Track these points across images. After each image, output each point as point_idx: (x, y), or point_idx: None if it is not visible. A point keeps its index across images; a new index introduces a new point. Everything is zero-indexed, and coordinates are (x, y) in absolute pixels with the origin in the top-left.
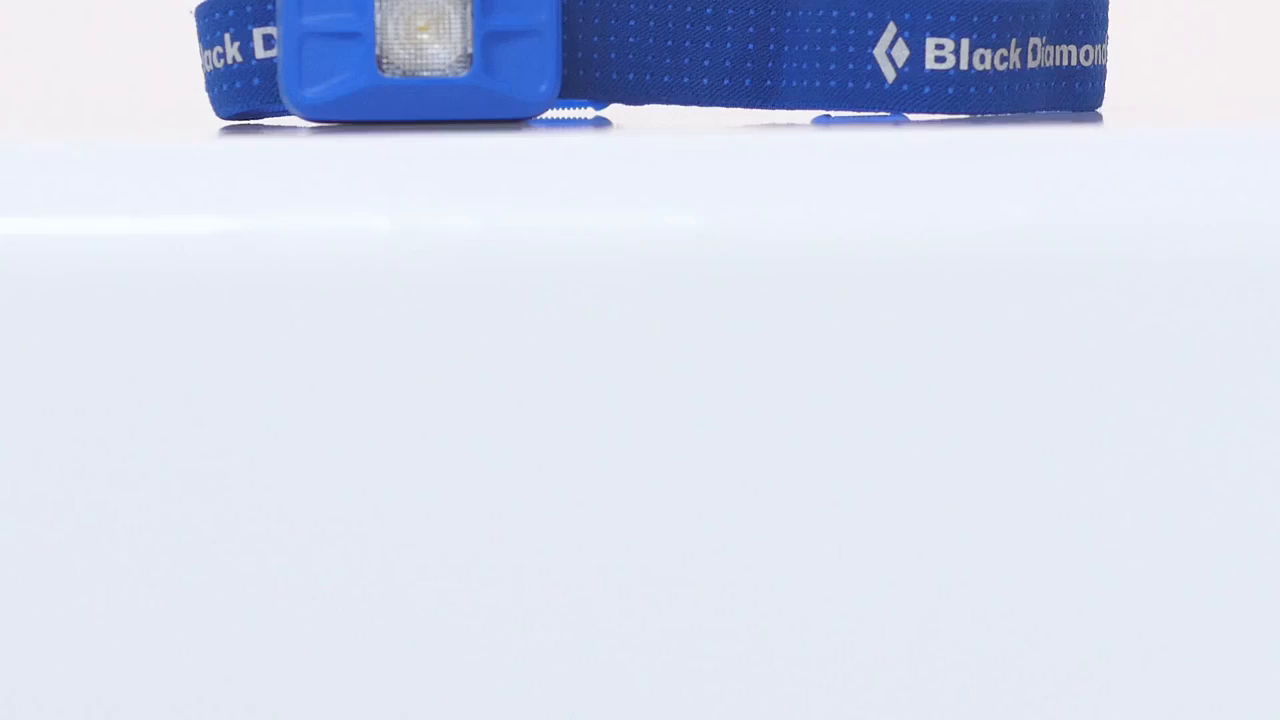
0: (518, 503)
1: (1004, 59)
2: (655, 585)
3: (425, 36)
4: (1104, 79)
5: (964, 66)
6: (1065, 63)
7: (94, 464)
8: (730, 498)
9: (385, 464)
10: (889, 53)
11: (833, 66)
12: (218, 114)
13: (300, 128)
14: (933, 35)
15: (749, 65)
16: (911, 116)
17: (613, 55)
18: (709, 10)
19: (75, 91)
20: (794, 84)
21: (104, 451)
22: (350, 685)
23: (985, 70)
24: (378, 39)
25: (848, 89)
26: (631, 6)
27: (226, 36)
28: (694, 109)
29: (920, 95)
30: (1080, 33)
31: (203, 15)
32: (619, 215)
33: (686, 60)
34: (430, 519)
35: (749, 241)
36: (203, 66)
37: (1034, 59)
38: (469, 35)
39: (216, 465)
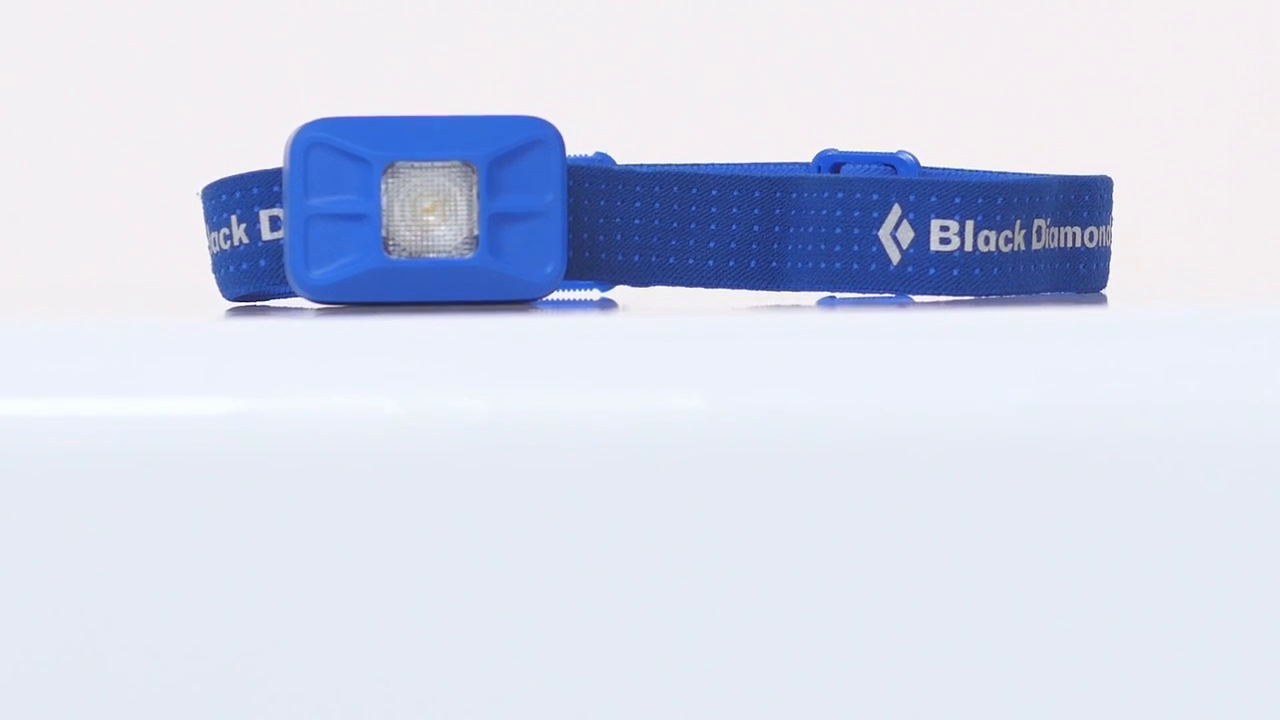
0: (529, 691)
1: (1008, 240)
2: None
3: (431, 218)
4: (1108, 260)
5: (969, 248)
6: (1069, 244)
7: (99, 646)
8: (742, 686)
9: (391, 649)
10: (894, 234)
11: (838, 248)
12: (224, 295)
13: (306, 309)
14: (937, 217)
15: (754, 247)
16: (916, 298)
17: (618, 237)
18: (714, 192)
19: (81, 273)
20: (799, 266)
21: (108, 635)
22: None
23: (990, 251)
24: (384, 221)
25: (853, 270)
26: (637, 188)
27: (233, 218)
28: (699, 291)
29: (925, 277)
30: (1084, 214)
31: (209, 197)
32: (625, 398)
33: (692, 242)
34: (440, 700)
35: (755, 424)
36: (209, 248)
37: (1038, 240)
38: (475, 217)
39: (219, 649)
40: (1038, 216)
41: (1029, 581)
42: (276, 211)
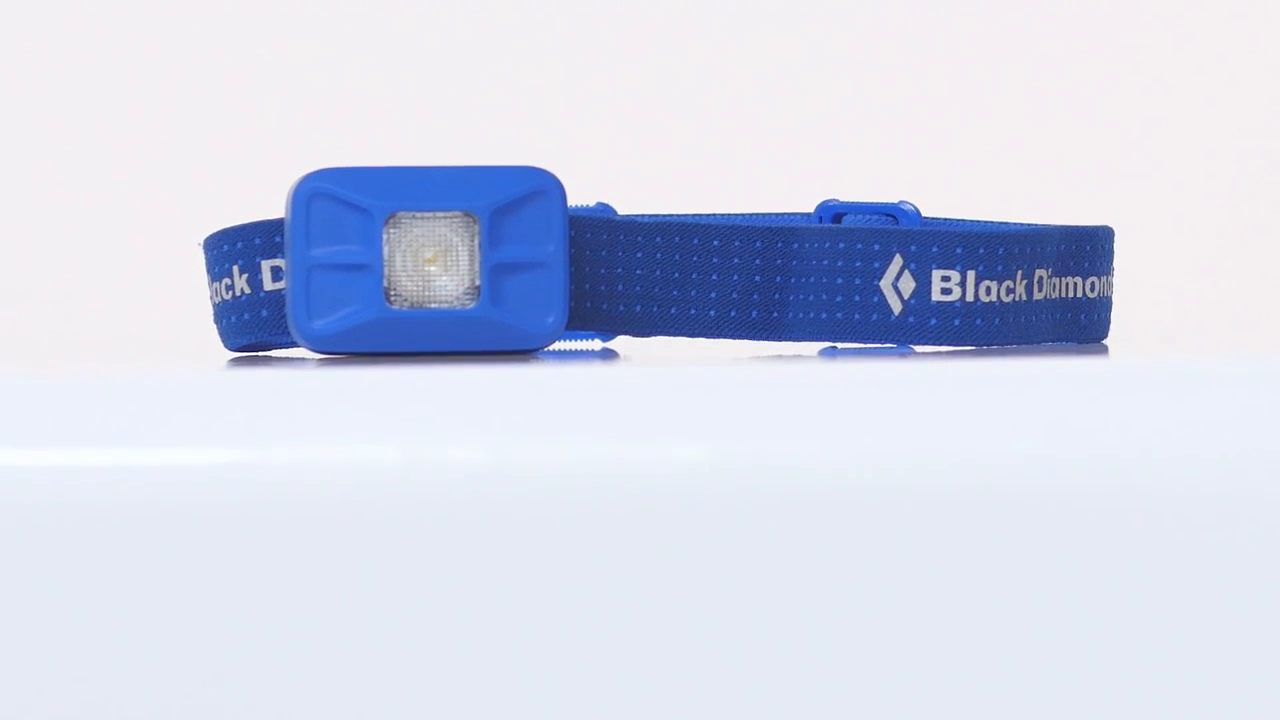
0: None
1: (1010, 290)
2: None
3: (433, 268)
4: (1110, 310)
5: (970, 298)
6: (1071, 294)
7: (101, 698)
8: None
9: (396, 697)
10: (895, 284)
11: (839, 298)
12: (226, 345)
13: (308, 359)
14: (939, 267)
15: (756, 297)
16: (918, 348)
17: (619, 287)
18: (715, 242)
19: (83, 323)
20: (801, 316)
21: (111, 685)
22: None
23: (991, 302)
24: (385, 271)
25: (854, 321)
26: (638, 239)
27: (235, 268)
28: (701, 341)
29: (926, 327)
30: (1086, 264)
31: (211, 247)
32: (626, 447)
33: (693, 292)
34: None
35: (756, 474)
36: (210, 298)
37: (1040, 290)
38: (476, 267)
39: (221, 698)
40: (1039, 266)
41: (1029, 630)
42: (278, 262)
